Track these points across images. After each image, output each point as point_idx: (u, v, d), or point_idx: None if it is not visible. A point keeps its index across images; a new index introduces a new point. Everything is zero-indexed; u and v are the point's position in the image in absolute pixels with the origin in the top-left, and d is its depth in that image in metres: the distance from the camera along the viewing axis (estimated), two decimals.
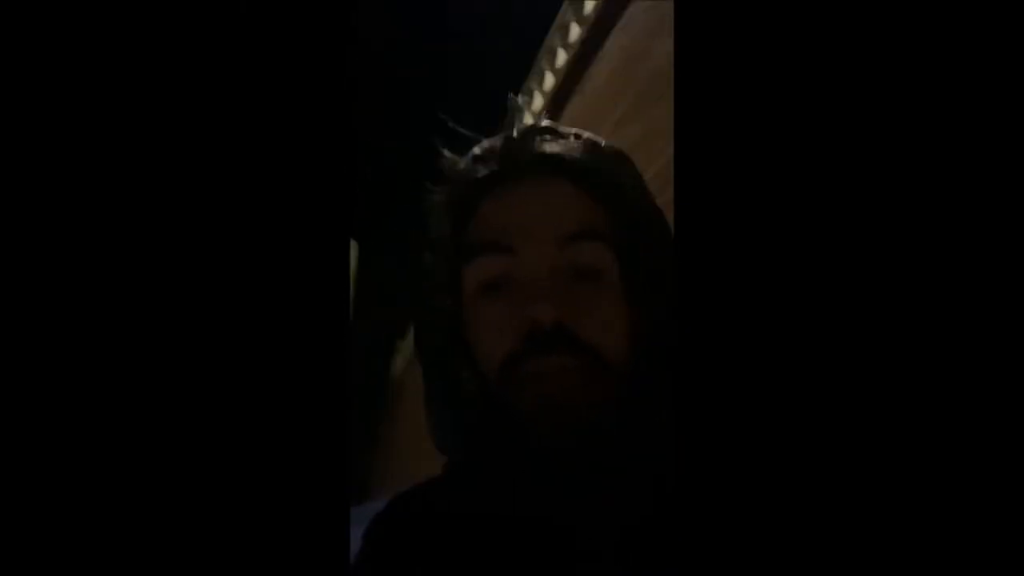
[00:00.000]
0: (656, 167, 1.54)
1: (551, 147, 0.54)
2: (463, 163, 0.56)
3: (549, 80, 4.37)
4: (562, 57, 4.17)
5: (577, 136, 0.56)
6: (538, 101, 4.50)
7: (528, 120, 0.63)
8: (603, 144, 0.56)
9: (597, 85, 3.53)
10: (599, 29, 3.50)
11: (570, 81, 3.94)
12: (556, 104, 4.07)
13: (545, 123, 0.57)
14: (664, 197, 0.54)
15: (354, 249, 10.97)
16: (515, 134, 0.56)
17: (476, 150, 0.56)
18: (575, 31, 3.95)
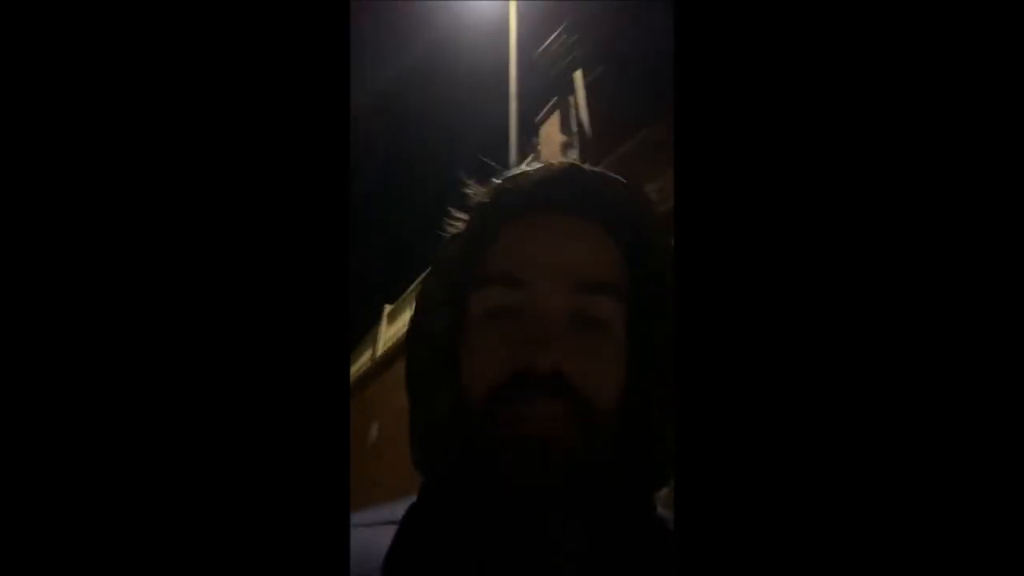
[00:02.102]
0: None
1: (580, 185, 0.53)
2: (487, 192, 0.55)
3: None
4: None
5: (606, 176, 0.54)
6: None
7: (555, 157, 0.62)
8: (630, 186, 0.55)
9: None
10: None
11: None
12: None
13: (573, 158, 0.56)
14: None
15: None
16: (542, 167, 0.55)
17: (501, 180, 0.55)
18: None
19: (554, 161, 0.55)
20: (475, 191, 0.55)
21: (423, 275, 0.58)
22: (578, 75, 6.98)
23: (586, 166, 0.55)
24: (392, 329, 10.66)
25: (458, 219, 0.55)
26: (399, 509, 0.53)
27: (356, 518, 0.52)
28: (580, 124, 6.67)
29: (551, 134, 7.21)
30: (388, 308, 11.17)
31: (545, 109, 7.44)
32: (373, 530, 0.52)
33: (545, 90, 7.35)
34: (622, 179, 0.55)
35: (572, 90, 6.98)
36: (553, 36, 7.13)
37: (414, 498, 0.53)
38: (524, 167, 0.55)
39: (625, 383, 0.49)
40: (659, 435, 0.49)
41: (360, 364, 10.93)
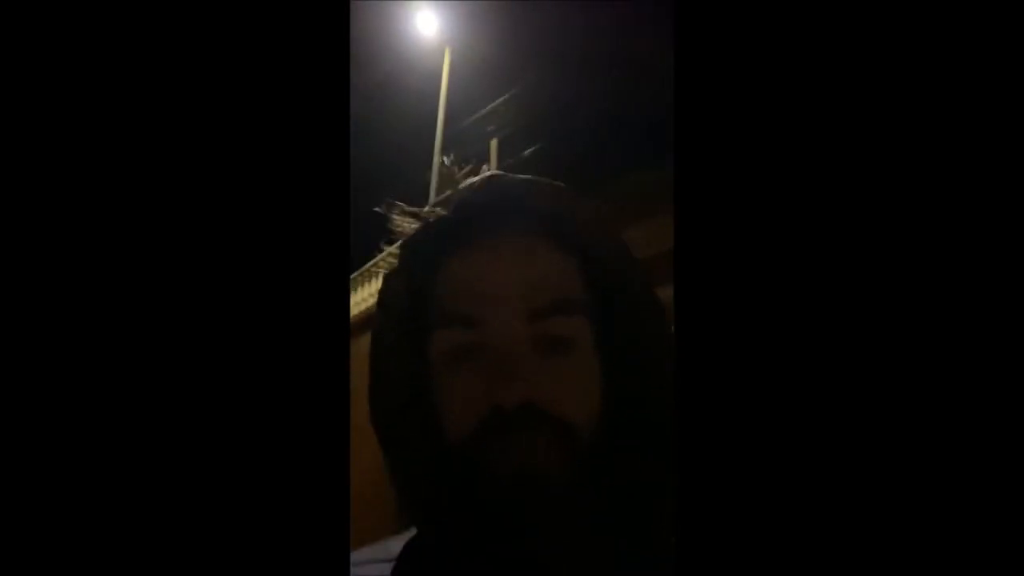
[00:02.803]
0: None
1: (508, 196, 0.50)
2: (413, 222, 0.52)
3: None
4: None
5: (534, 181, 0.51)
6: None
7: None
8: (575, 193, 0.52)
9: None
10: None
11: None
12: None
13: (491, 170, 0.54)
14: None
15: None
16: (463, 188, 0.52)
17: (432, 205, 0.52)
18: None
19: (474, 179, 0.52)
20: (400, 223, 0.53)
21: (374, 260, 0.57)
22: (494, 144, 7.19)
23: (509, 175, 0.52)
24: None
25: (391, 255, 0.53)
26: (393, 546, 0.52)
27: (353, 556, 0.51)
28: None
29: None
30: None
31: (464, 171, 7.57)
32: (368, 568, 0.51)
33: (467, 151, 7.50)
34: (553, 182, 0.52)
35: (488, 159, 7.16)
36: (490, 107, 7.36)
37: (405, 535, 0.52)
38: (446, 194, 0.53)
39: (601, 398, 0.47)
40: (646, 446, 0.47)
41: None
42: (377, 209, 0.53)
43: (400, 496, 0.49)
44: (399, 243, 0.52)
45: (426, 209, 0.52)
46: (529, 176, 0.52)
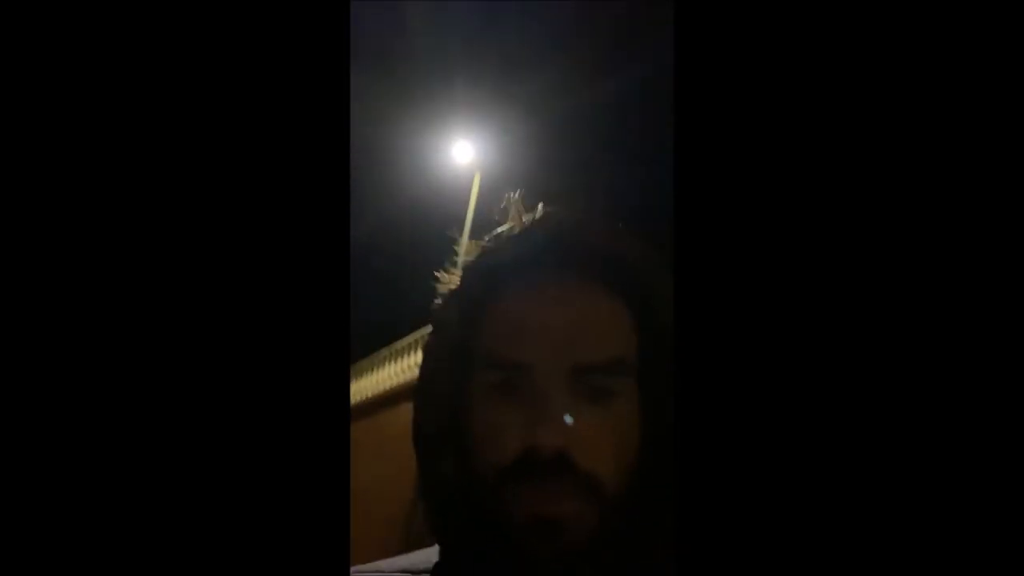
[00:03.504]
0: None
1: (579, 240, 0.49)
2: (477, 252, 0.52)
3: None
4: None
5: (605, 225, 0.50)
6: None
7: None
8: (634, 235, 0.50)
9: None
10: None
11: None
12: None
13: (546, 209, 0.52)
14: None
15: None
16: (536, 220, 0.51)
17: (492, 238, 0.52)
18: None
19: (552, 211, 0.52)
20: (464, 252, 0.53)
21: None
22: None
23: (565, 215, 0.51)
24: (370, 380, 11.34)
25: (451, 276, 0.53)
26: (417, 559, 0.54)
27: (369, 567, 0.54)
28: None
29: None
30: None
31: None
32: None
33: None
34: (609, 224, 0.51)
35: None
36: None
37: (429, 550, 0.54)
38: (521, 221, 0.52)
39: (636, 456, 0.48)
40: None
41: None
42: (452, 235, 0.55)
43: (429, 514, 0.51)
44: (447, 288, 0.53)
45: (487, 240, 0.52)
46: (585, 216, 0.51)
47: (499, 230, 0.52)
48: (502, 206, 0.53)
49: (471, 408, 0.49)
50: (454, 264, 0.54)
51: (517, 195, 0.53)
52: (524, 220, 0.52)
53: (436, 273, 0.54)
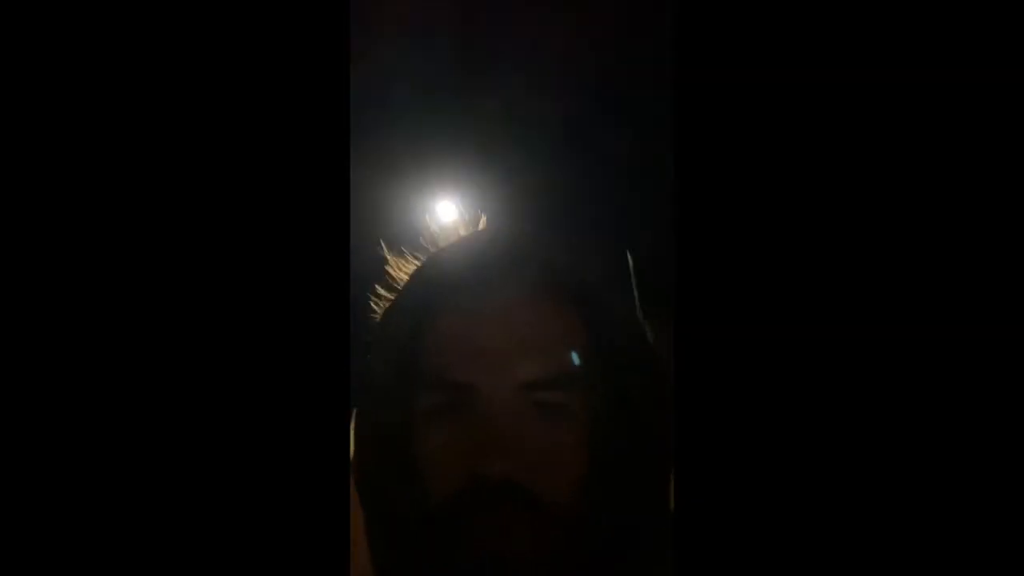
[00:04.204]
0: None
1: (521, 248, 0.48)
2: (412, 266, 0.51)
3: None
4: None
5: (553, 237, 0.50)
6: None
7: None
8: (583, 246, 0.50)
9: None
10: None
11: None
12: None
13: (510, 224, 0.50)
14: None
15: None
16: (477, 232, 0.50)
17: (431, 254, 0.50)
18: None
19: (476, 230, 0.50)
20: (397, 267, 0.52)
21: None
22: None
23: (507, 226, 0.50)
24: None
25: (385, 298, 0.51)
26: None
27: None
28: None
29: None
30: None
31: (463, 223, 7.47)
32: None
33: None
34: (563, 237, 0.50)
35: None
36: None
37: None
38: (465, 234, 0.50)
39: (588, 474, 0.45)
40: (635, 522, 0.45)
41: None
42: (380, 247, 0.52)
43: (380, 555, 0.48)
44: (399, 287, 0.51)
45: (424, 257, 0.50)
46: (539, 230, 0.49)
47: (447, 243, 0.51)
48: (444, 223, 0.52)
49: (416, 435, 0.47)
50: (388, 288, 0.52)
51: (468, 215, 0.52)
52: (465, 233, 0.51)
53: (374, 287, 0.52)
